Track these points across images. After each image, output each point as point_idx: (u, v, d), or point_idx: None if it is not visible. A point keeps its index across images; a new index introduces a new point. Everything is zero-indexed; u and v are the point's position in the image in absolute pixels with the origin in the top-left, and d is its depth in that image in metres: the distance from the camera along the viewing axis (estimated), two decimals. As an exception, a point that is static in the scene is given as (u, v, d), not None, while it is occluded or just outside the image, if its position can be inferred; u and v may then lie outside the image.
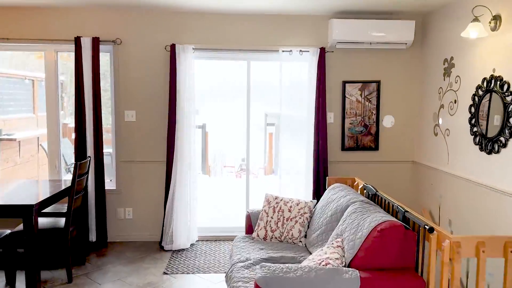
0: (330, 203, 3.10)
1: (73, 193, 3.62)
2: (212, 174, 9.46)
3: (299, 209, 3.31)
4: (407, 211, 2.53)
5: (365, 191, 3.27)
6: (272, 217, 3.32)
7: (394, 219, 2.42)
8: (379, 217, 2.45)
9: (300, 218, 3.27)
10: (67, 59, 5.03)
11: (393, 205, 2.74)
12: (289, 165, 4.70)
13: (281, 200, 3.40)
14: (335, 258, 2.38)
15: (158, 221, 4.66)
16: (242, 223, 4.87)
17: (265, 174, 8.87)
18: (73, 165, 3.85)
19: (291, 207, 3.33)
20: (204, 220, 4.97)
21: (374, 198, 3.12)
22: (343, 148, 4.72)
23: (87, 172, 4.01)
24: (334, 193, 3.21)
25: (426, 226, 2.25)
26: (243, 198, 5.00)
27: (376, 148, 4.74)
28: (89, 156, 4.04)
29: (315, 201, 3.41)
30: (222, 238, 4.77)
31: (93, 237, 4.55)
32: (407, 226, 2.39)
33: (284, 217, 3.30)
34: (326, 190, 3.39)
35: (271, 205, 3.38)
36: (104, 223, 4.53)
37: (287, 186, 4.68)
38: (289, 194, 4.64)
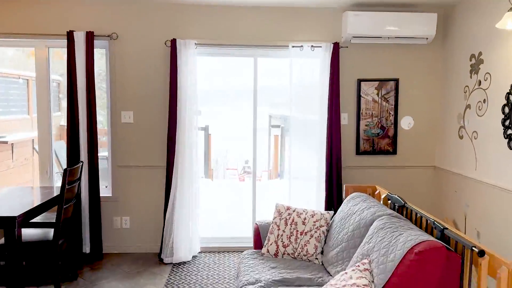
0: (351, 216, 2.73)
1: (62, 202, 3.26)
2: (215, 177, 9.13)
3: (314, 222, 2.94)
4: (446, 228, 2.16)
5: (389, 202, 2.90)
6: (284, 231, 2.94)
7: (433, 238, 2.04)
8: (414, 235, 2.08)
9: (315, 232, 2.90)
10: (64, 57, 4.67)
11: (427, 220, 2.36)
12: (299, 169, 4.33)
13: (293, 211, 3.03)
14: (363, 285, 2.01)
15: (158, 231, 4.30)
16: (248, 233, 4.53)
17: (270, 178, 8.51)
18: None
19: (305, 219, 2.96)
20: (207, 230, 4.61)
21: (401, 210, 2.74)
22: (358, 152, 4.35)
23: (79, 179, 3.65)
24: (354, 204, 2.83)
25: (474, 248, 1.88)
26: (248, 205, 4.64)
27: (394, 152, 4.37)
28: (82, 161, 3.68)
29: (332, 212, 3.03)
30: (227, 250, 4.41)
31: (87, 248, 4.20)
32: (449, 247, 2.02)
33: (297, 230, 2.93)
34: (345, 200, 3.01)
35: (282, 217, 3.01)
36: (99, 233, 4.17)
37: (297, 192, 4.30)
38: (299, 201, 4.27)
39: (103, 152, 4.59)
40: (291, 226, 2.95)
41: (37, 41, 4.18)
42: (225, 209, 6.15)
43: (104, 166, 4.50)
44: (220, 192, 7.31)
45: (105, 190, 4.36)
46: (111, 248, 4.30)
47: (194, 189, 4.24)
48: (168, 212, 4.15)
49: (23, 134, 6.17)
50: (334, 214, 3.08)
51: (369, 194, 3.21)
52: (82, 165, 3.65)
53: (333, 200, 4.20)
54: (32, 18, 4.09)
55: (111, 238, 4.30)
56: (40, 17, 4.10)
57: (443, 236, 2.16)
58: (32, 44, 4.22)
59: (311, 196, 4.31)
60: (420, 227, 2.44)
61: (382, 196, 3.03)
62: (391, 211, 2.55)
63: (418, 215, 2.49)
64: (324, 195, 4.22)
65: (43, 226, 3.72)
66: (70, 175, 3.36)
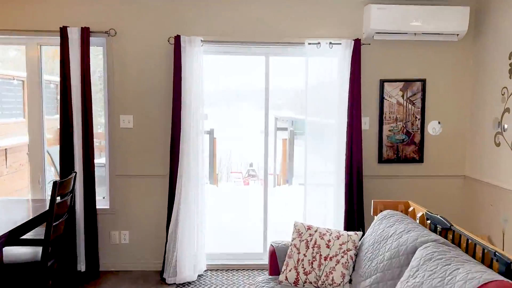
0: (386, 240, 2.32)
1: (51, 219, 2.87)
2: (220, 183, 8.78)
3: (340, 245, 2.53)
4: (513, 262, 1.75)
5: (428, 222, 2.48)
6: (305, 255, 2.54)
7: (500, 277, 1.64)
8: (475, 272, 1.67)
9: (342, 257, 2.50)
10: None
11: (483, 249, 1.95)
12: (314, 178, 3.92)
13: (315, 231, 2.62)
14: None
15: (159, 246, 3.91)
16: (258, 248, 4.14)
17: (278, 185, 8.12)
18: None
19: (329, 241, 2.56)
20: (213, 244, 4.21)
21: (445, 233, 2.33)
22: (381, 160, 3.94)
23: (72, 191, 3.26)
24: (389, 225, 2.42)
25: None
26: (257, 214, 4.23)
27: (420, 160, 3.95)
28: (75, 172, 3.30)
29: (360, 233, 2.63)
30: (236, 267, 4.01)
31: (81, 266, 3.82)
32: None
33: (321, 255, 2.52)
34: (376, 220, 2.61)
35: (302, 238, 2.60)
36: (95, 249, 3.79)
37: (312, 204, 3.90)
38: (315, 216, 3.87)
39: (101, 159, 4.21)
40: (313, 250, 2.54)
41: (27, 39, 3.81)
42: (232, 220, 5.75)
43: (101, 173, 4.12)
44: (226, 199, 6.92)
45: (102, 202, 3.97)
46: (108, 266, 3.91)
47: (200, 200, 3.85)
48: (171, 226, 3.76)
49: (19, 138, 5.82)
50: (363, 235, 2.68)
51: (402, 211, 2.80)
52: (75, 176, 3.26)
53: (353, 214, 3.80)
54: (22, 13, 3.72)
55: (109, 254, 3.91)
56: (31, 12, 3.72)
57: (510, 271, 1.75)
58: (22, 41, 3.84)
59: (328, 208, 3.91)
60: (474, 257, 2.03)
61: (418, 215, 2.62)
62: (436, 236, 2.14)
63: (470, 241, 2.08)
64: (344, 209, 3.81)
65: (35, 243, 3.33)
66: (61, 188, 2.98)
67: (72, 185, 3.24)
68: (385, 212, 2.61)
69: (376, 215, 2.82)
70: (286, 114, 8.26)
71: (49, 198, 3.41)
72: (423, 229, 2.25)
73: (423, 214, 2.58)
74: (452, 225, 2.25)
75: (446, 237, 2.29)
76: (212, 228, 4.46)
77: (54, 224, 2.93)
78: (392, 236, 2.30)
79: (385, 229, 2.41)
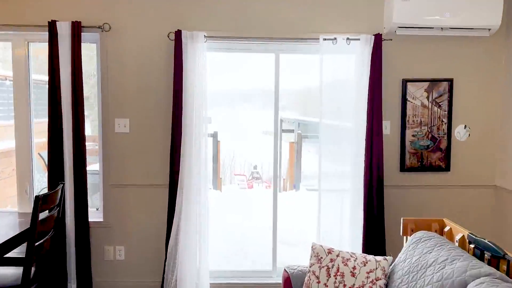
0: (425, 270, 1.95)
1: (33, 239, 2.51)
2: (223, 186, 8.47)
3: (367, 272, 2.16)
4: None
5: (471, 246, 2.10)
6: (326, 285, 2.17)
7: None
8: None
9: (370, 287, 2.12)
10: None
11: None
12: (329, 187, 3.54)
13: (337, 255, 2.25)
14: None
15: (158, 263, 3.55)
16: (267, 264, 3.79)
17: (284, 190, 7.76)
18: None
19: (354, 268, 2.18)
20: (217, 257, 3.85)
21: (496, 263, 1.95)
22: (403, 168, 3.56)
23: (59, 205, 2.91)
24: (426, 251, 2.05)
25: None
26: (265, 223, 3.86)
27: (447, 168, 3.57)
28: (62, 183, 2.94)
29: (390, 258, 2.25)
30: (242, 286, 3.63)
31: (73, 285, 3.47)
32: None
33: (345, 285, 2.15)
34: (409, 243, 2.23)
35: (322, 264, 2.23)
36: (87, 266, 3.44)
37: (327, 217, 3.51)
38: (330, 231, 3.50)
39: (94, 166, 3.85)
40: (336, 279, 2.17)
41: (13, 34, 3.46)
42: (237, 228, 5.37)
43: (95, 181, 3.77)
44: (230, 205, 6.55)
45: (95, 214, 3.62)
46: (102, 284, 3.56)
47: (203, 213, 3.49)
48: (171, 241, 3.41)
49: (9, 142, 5.48)
50: (393, 261, 2.30)
51: (436, 231, 2.42)
52: (63, 187, 2.90)
53: (374, 230, 3.42)
54: (7, 6, 3.37)
55: (103, 272, 3.56)
56: (17, 5, 3.37)
57: None
58: (8, 38, 3.50)
59: (344, 222, 3.53)
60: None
61: (457, 237, 2.24)
62: (489, 268, 1.76)
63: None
64: (362, 223, 3.43)
65: (20, 262, 2.97)
66: (45, 203, 2.62)
67: (59, 198, 2.89)
68: (419, 234, 2.23)
69: (406, 235, 2.44)
70: (291, 116, 7.93)
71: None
72: (471, 258, 1.88)
73: (463, 236, 2.20)
74: (506, 254, 1.87)
75: (498, 268, 1.91)
76: (215, 238, 4.10)
77: (37, 244, 2.58)
78: (433, 266, 1.92)
79: (422, 256, 2.04)
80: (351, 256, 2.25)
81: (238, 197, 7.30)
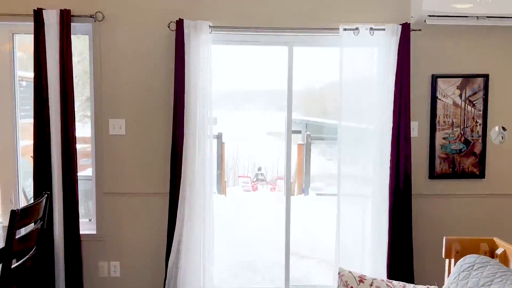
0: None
1: (8, 262, 2.14)
2: (228, 188, 8.19)
3: (409, 307, 1.77)
4: None
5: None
6: (358, 322, 1.78)
7: None
8: None
9: (414, 326, 1.73)
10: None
11: None
12: (348, 192, 3.16)
13: (371, 284, 1.86)
14: None
15: (157, 281, 3.18)
16: (278, 281, 3.43)
17: (292, 194, 7.41)
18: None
19: (392, 300, 1.79)
20: (223, 273, 3.48)
21: None
22: (432, 175, 3.18)
23: (43, 218, 2.54)
24: (484, 282, 1.66)
25: None
26: (275, 231, 3.49)
27: (481, 175, 3.19)
28: (46, 193, 2.57)
29: None
30: (251, 307, 3.26)
31: (62, 305, 3.10)
32: None
33: (382, 322, 1.76)
34: (458, 270, 1.84)
35: (353, 295, 1.84)
36: (79, 284, 3.09)
37: (345, 227, 3.13)
38: (347, 241, 3.12)
39: (87, 171, 3.49)
40: (371, 314, 1.78)
41: (-3, 25, 3.10)
42: (244, 239, 4.99)
43: (88, 187, 3.41)
44: (235, 211, 6.19)
45: (87, 225, 3.26)
46: (95, 304, 3.20)
47: (208, 223, 3.12)
48: (171, 257, 3.05)
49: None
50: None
51: (485, 253, 2.03)
52: (47, 198, 2.53)
53: (400, 247, 3.04)
54: (-12, -8, 3.01)
55: (96, 290, 3.20)
56: (-2, -9, 3.01)
57: None
58: (-10, 28, 3.14)
59: (365, 235, 3.15)
60: None
61: (515, 260, 1.85)
62: None
63: None
64: (387, 238, 3.04)
65: None
66: (24, 217, 2.25)
67: (43, 209, 2.52)
68: (470, 259, 1.85)
69: (450, 258, 2.05)
70: (298, 116, 7.62)
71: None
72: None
73: (524, 262, 1.81)
74: None
75: None
76: (221, 249, 3.74)
77: (16, 265, 2.21)
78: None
79: (479, 289, 1.65)
80: (387, 285, 1.86)
81: (244, 201, 6.95)
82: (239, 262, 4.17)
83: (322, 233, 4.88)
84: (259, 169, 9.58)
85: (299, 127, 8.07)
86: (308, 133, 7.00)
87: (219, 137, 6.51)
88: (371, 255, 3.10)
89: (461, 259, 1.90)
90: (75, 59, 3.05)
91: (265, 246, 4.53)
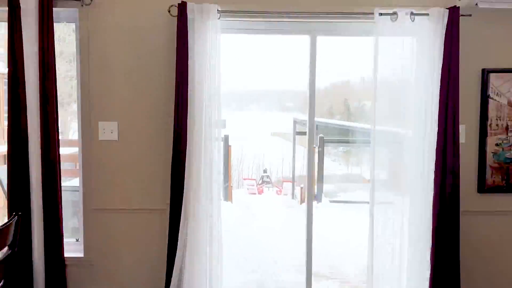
0: None
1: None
2: (233, 193, 7.88)
3: None
4: None
5: None
6: None
7: None
8: None
9: None
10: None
11: None
12: (380, 204, 2.71)
13: None
14: None
15: (156, 314, 2.73)
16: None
17: (302, 201, 7.03)
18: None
19: None
20: None
21: None
22: (482, 188, 2.72)
23: (14, 244, 2.07)
24: None
25: None
26: (290, 248, 3.09)
27: (539, 188, 2.71)
28: (18, 214, 2.10)
29: None
30: None
31: None
32: None
33: None
34: None
35: None
36: (63, 316, 2.64)
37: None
38: (378, 261, 2.65)
39: (73, 181, 3.05)
40: None
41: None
42: (255, 254, 4.52)
43: (76, 198, 2.97)
44: (242, 219, 5.75)
45: (73, 247, 2.85)
46: None
47: (215, 244, 2.67)
48: (172, 285, 2.61)
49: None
50: None
51: None
52: (17, 221, 2.06)
53: (447, 274, 2.57)
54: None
55: (83, 323, 2.77)
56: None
57: None
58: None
59: (402, 255, 2.67)
60: None
61: None
62: None
63: None
64: (429, 264, 2.56)
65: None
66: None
67: (13, 234, 2.05)
68: None
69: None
70: (301, 117, 7.30)
71: None
72: None
73: None
74: None
75: None
76: (229, 267, 3.30)
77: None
78: None
79: None
80: None
81: (252, 208, 6.52)
82: (249, 284, 3.70)
83: (342, 248, 4.43)
84: (265, 171, 9.43)
85: (304, 128, 7.74)
86: (321, 135, 6.55)
87: (225, 139, 6.11)
88: (411, 280, 2.64)
89: None
90: (58, 50, 2.59)
91: (279, 265, 4.06)
